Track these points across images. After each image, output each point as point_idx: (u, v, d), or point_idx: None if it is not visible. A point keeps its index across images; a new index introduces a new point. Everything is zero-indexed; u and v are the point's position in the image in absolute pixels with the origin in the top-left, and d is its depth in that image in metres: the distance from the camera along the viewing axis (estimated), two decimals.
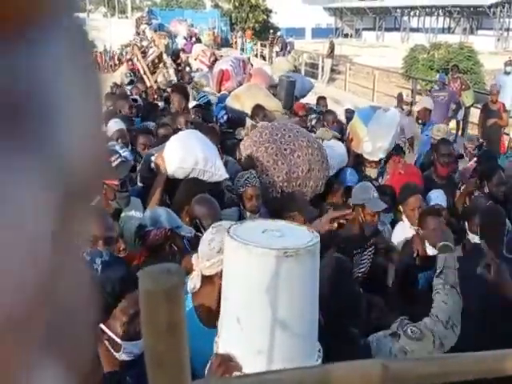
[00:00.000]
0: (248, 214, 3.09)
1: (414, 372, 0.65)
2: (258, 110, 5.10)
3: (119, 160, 2.71)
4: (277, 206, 3.20)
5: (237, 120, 5.17)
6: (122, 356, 1.55)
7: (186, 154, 2.98)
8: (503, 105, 8.26)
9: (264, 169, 3.38)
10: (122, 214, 2.71)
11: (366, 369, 0.63)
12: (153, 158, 3.11)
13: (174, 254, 2.35)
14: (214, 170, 3.06)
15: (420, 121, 6.49)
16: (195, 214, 2.61)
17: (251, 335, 1.05)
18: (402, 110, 7.79)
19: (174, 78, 8.63)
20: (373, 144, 4.25)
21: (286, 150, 3.41)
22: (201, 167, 3.00)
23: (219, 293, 1.70)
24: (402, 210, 3.33)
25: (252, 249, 1.00)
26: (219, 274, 1.76)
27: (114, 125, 4.17)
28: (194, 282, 1.85)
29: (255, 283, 1.00)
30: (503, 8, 31.23)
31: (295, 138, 3.48)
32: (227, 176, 3.17)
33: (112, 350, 1.53)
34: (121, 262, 1.93)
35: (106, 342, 1.53)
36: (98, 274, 1.77)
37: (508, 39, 31.64)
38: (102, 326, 1.53)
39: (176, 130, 4.20)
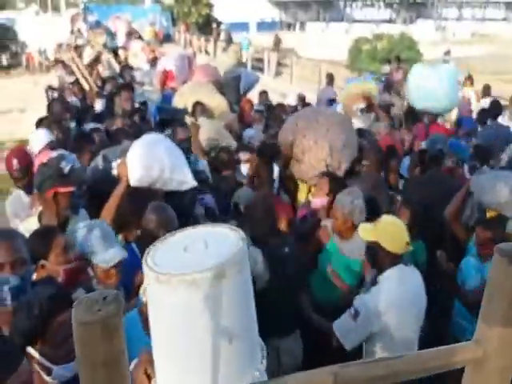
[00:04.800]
0: None
1: (361, 375, 0.68)
2: (197, 106, 5.22)
3: (69, 166, 2.60)
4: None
5: (169, 120, 5.06)
6: (53, 380, 1.47)
7: (151, 160, 2.74)
8: None
9: (307, 151, 3.84)
10: (69, 227, 2.55)
11: (317, 378, 0.66)
12: (114, 165, 2.89)
13: (87, 280, 2.18)
14: (183, 177, 2.84)
15: None
16: (145, 225, 2.48)
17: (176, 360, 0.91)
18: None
19: (116, 67, 8.43)
20: None
21: (322, 130, 3.85)
22: (167, 175, 2.77)
23: None
24: None
25: (160, 277, 0.87)
26: None
27: (44, 136, 3.95)
28: (143, 290, 1.81)
29: (169, 313, 0.88)
30: None
31: (326, 118, 3.96)
32: (195, 184, 2.94)
33: (43, 375, 1.45)
34: (47, 283, 1.83)
35: (37, 366, 1.45)
36: (8, 303, 1.69)
37: (446, 28, 32.88)
38: (30, 349, 1.44)
39: (116, 132, 4.15)
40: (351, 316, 2.37)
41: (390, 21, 38.47)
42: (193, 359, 0.86)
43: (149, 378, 0.98)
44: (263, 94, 7.47)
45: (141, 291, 1.82)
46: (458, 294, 2.90)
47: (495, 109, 6.36)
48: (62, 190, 2.54)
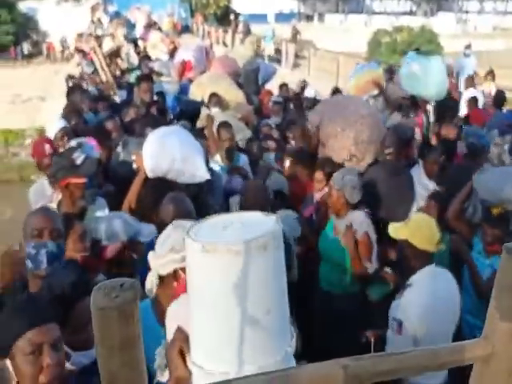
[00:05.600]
0: None
1: (372, 369, 0.68)
2: (212, 98, 5.27)
3: (82, 157, 2.63)
4: None
5: (190, 111, 5.13)
6: (71, 366, 1.49)
7: (162, 151, 2.79)
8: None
9: (332, 136, 3.83)
10: (87, 216, 2.62)
11: (327, 370, 0.66)
12: (133, 157, 3.00)
13: (133, 262, 2.25)
14: (195, 169, 2.85)
15: None
16: (161, 216, 2.46)
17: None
18: None
19: (135, 58, 8.53)
20: None
21: (350, 120, 3.85)
22: (178, 166, 2.80)
23: (173, 294, 1.67)
24: None
25: (206, 245, 0.89)
26: (172, 275, 1.75)
27: (58, 123, 4.03)
28: (150, 282, 1.80)
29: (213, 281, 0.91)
30: None
31: (357, 108, 3.96)
32: (208, 177, 2.93)
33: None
34: (73, 265, 1.82)
35: None
36: (44, 267, 1.76)
37: (467, 21, 32.25)
38: None
39: (131, 122, 4.18)
40: (395, 330, 2.23)
41: (411, 13, 37.81)
42: (231, 330, 0.88)
43: (183, 356, 0.98)
44: (284, 86, 7.46)
45: (147, 287, 1.80)
46: (473, 282, 2.82)
47: (499, 100, 6.50)
48: (74, 180, 2.59)
